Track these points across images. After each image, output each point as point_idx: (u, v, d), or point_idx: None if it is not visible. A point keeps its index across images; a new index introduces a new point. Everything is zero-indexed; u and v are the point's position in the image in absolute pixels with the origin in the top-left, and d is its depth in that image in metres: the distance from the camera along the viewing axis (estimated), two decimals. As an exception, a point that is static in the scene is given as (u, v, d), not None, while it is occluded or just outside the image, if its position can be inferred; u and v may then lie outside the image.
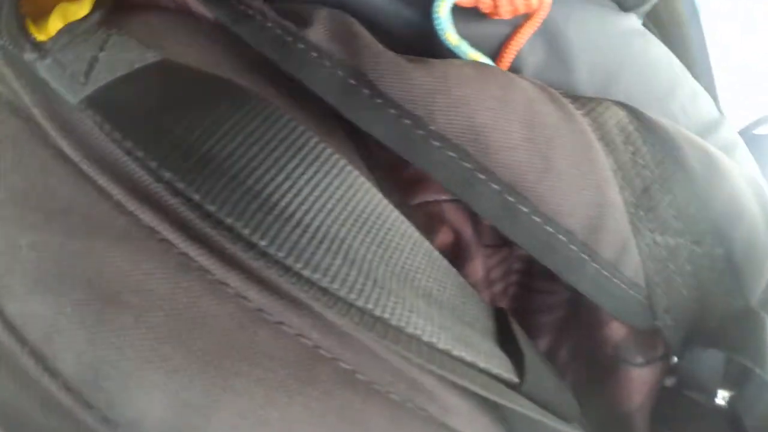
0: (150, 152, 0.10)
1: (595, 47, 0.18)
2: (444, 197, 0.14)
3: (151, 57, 0.12)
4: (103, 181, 0.11)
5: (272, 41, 0.13)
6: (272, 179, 0.10)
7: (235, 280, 0.10)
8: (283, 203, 0.10)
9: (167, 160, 0.10)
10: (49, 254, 0.10)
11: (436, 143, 0.12)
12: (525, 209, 0.13)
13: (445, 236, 0.15)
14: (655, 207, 0.14)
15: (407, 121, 0.12)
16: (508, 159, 0.13)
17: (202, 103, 0.11)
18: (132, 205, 0.11)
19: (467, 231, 0.15)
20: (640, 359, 0.15)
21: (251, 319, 0.10)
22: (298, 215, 0.10)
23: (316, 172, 0.11)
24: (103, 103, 0.11)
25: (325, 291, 0.10)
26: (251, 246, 0.10)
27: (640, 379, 0.15)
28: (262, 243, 0.10)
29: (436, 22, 0.14)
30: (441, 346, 0.10)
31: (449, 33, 0.14)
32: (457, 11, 0.14)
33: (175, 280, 0.10)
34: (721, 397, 0.16)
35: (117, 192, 0.11)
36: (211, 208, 0.10)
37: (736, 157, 0.21)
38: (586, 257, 0.13)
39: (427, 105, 0.12)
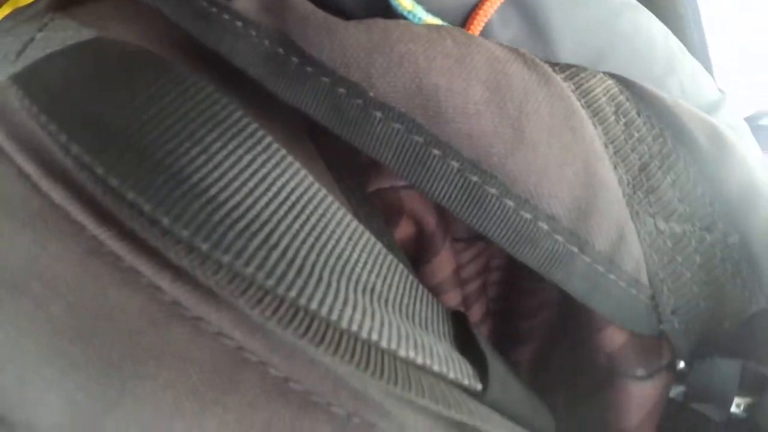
0: (63, 126, 0.09)
1: (581, 20, 0.16)
2: (401, 183, 0.12)
3: (86, 35, 0.12)
4: (20, 159, 0.10)
5: (194, 13, 0.11)
6: (185, 153, 0.09)
7: (147, 268, 0.09)
8: (195, 178, 0.09)
9: (78, 133, 0.09)
10: None
11: (378, 113, 0.10)
12: (493, 191, 0.10)
13: (405, 228, 0.13)
14: (655, 188, 0.12)
15: (342, 90, 0.10)
16: (468, 128, 0.10)
17: (123, 77, 0.10)
18: (46, 184, 0.10)
19: (430, 221, 0.13)
20: (641, 371, 0.12)
21: (165, 313, 0.09)
22: (212, 191, 0.09)
23: (237, 147, 0.09)
24: (27, 78, 0.10)
25: (235, 275, 0.08)
26: (154, 223, 0.09)
27: (640, 395, 0.12)
28: (165, 220, 0.08)
29: (384, -18, 0.12)
30: (384, 344, 0.08)
31: (400, -4, 0.12)
32: (412, -26, 0.13)
33: (83, 266, 0.09)
34: (736, 405, 0.14)
35: (32, 171, 0.10)
36: (113, 182, 0.09)
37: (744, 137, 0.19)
38: (575, 249, 0.11)
39: (363, 67, 0.10)
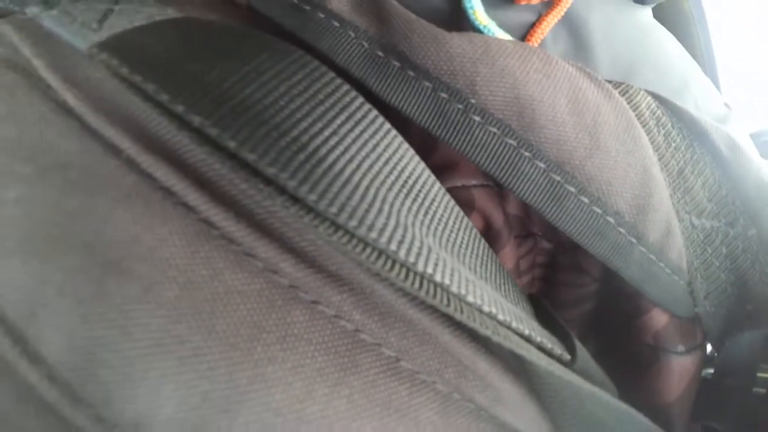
0: (176, 96, 0.09)
1: (616, 39, 0.17)
2: (474, 182, 0.14)
3: (172, 13, 0.11)
4: (111, 134, 0.09)
5: (289, 10, 0.12)
6: (318, 132, 0.09)
7: (265, 251, 0.09)
8: (330, 158, 0.09)
9: (197, 104, 0.09)
10: (40, 212, 0.09)
11: (477, 118, 0.11)
12: (572, 189, 0.12)
13: (475, 222, 0.14)
14: (690, 189, 0.14)
15: (443, 95, 0.11)
16: (555, 135, 0.12)
17: (237, 53, 0.10)
18: (146, 161, 0.09)
19: (498, 218, 0.14)
20: (681, 347, 0.14)
21: (284, 297, 0.09)
22: (346, 173, 0.09)
23: (362, 132, 0.09)
24: (119, 47, 0.10)
25: (380, 253, 0.08)
26: (295, 201, 0.08)
27: (681, 369, 0.14)
28: (312, 197, 0.08)
29: (465, 2, 0.13)
30: (500, 317, 0.09)
31: (478, 13, 0.14)
32: (486, -6, 0.14)
33: (193, 249, 0.09)
34: (761, 385, 0.15)
35: (128, 146, 0.09)
36: (251, 157, 0.08)
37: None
38: (634, 240, 0.12)
39: (468, 76, 0.11)
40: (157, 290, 0.08)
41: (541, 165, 0.12)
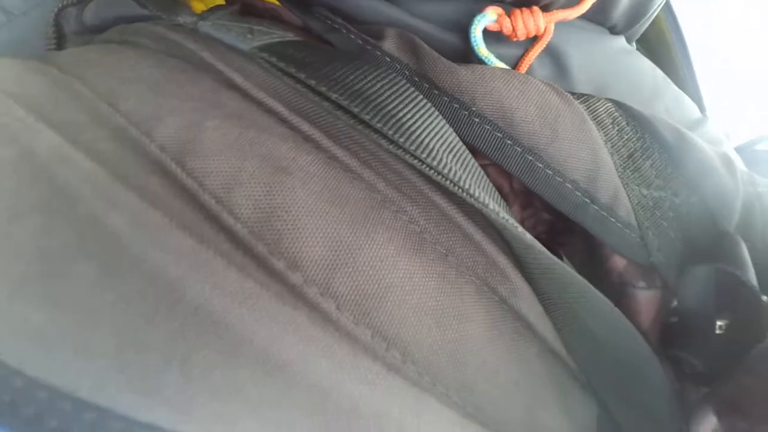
0: (320, 81, 0.14)
1: (591, 63, 0.22)
2: (486, 161, 0.18)
3: (292, 36, 0.17)
4: (270, 102, 0.15)
5: (355, 49, 0.18)
6: (402, 108, 0.15)
7: (367, 176, 0.14)
8: (409, 123, 0.14)
9: (332, 86, 0.14)
10: (231, 136, 0.13)
11: (477, 120, 0.17)
12: (540, 165, 0.17)
13: None
14: (639, 168, 0.18)
15: (456, 105, 0.17)
16: (526, 129, 0.17)
17: (349, 62, 0.15)
18: (294, 119, 0.14)
19: (506, 187, 0.19)
20: (642, 284, 0.18)
21: (378, 204, 0.14)
22: (417, 131, 0.15)
23: (423, 114, 0.15)
24: (273, 50, 0.15)
25: (443, 176, 0.14)
26: (391, 142, 0.14)
27: (645, 301, 0.18)
28: (401, 139, 0.14)
29: (472, 40, 0.19)
30: (509, 223, 0.14)
31: (481, 47, 0.19)
32: (486, 35, 0.20)
33: (325, 171, 0.14)
34: (719, 326, 0.19)
35: (281, 109, 0.14)
36: (367, 117, 0.14)
37: (722, 148, 0.25)
38: (588, 200, 0.17)
39: (469, 93, 0.16)
40: (310, 184, 0.13)
41: (518, 149, 0.17)
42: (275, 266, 0.12)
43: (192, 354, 0.10)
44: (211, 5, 0.20)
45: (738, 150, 0.27)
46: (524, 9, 0.20)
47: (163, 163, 0.12)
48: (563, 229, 0.21)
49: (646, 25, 0.26)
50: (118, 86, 0.14)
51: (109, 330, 0.10)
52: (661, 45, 0.32)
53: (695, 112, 0.26)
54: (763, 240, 0.19)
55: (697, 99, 0.32)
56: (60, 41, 0.23)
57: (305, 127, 0.15)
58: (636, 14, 0.24)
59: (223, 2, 0.20)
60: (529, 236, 0.15)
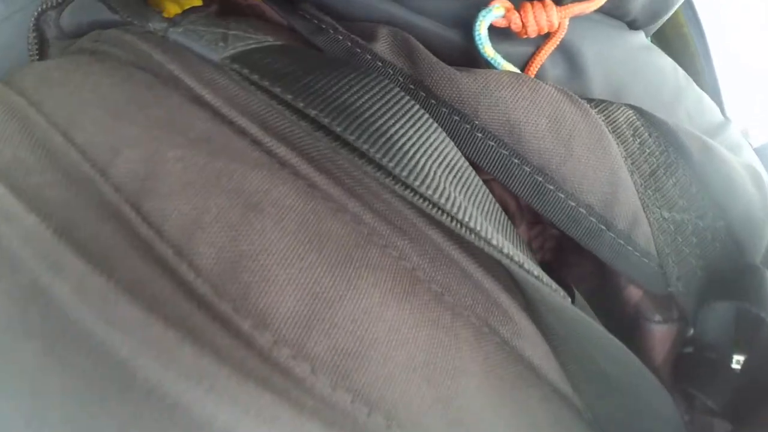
0: (297, 95, 0.12)
1: (607, 62, 0.20)
2: (488, 177, 0.17)
3: (271, 41, 0.15)
4: (242, 121, 0.13)
5: (343, 52, 0.16)
6: (393, 124, 0.13)
7: (353, 207, 0.13)
8: (400, 142, 0.12)
9: (312, 102, 0.12)
10: (195, 168, 0.12)
11: (479, 134, 0.15)
12: (551, 187, 0.15)
13: None
14: (661, 187, 0.17)
15: (456, 118, 0.15)
16: (536, 146, 0.15)
17: (333, 70, 0.13)
18: (268, 141, 0.13)
19: (513, 204, 0.17)
20: (657, 317, 0.17)
21: (365, 239, 0.13)
22: (410, 152, 0.13)
23: (420, 127, 0.13)
24: (246, 60, 0.13)
25: (434, 205, 0.12)
26: (379, 168, 0.12)
27: (660, 335, 0.17)
28: (390, 165, 0.12)
29: (476, 38, 0.17)
30: (516, 259, 0.12)
31: (487, 47, 0.17)
32: (492, 32, 0.18)
33: (303, 203, 0.12)
34: (736, 361, 0.18)
35: (255, 130, 0.13)
36: (351, 137, 0.12)
37: (742, 155, 0.23)
38: (603, 227, 0.15)
39: (472, 105, 0.15)
40: (283, 223, 0.12)
41: (527, 169, 0.15)
42: (240, 327, 0.11)
43: None
44: (187, 6, 0.18)
45: (757, 152, 0.25)
46: (536, 2, 0.18)
47: (117, 206, 0.11)
48: (573, 247, 0.19)
49: (666, 19, 0.24)
50: (78, 111, 0.13)
51: (59, 418, 0.09)
52: (678, 38, 0.30)
53: (717, 115, 0.24)
54: None
55: (716, 95, 0.30)
56: (42, 46, 0.22)
57: (281, 150, 0.13)
58: (659, 9, 0.22)
59: (200, 2, 0.18)
60: (545, 287, 0.13)
